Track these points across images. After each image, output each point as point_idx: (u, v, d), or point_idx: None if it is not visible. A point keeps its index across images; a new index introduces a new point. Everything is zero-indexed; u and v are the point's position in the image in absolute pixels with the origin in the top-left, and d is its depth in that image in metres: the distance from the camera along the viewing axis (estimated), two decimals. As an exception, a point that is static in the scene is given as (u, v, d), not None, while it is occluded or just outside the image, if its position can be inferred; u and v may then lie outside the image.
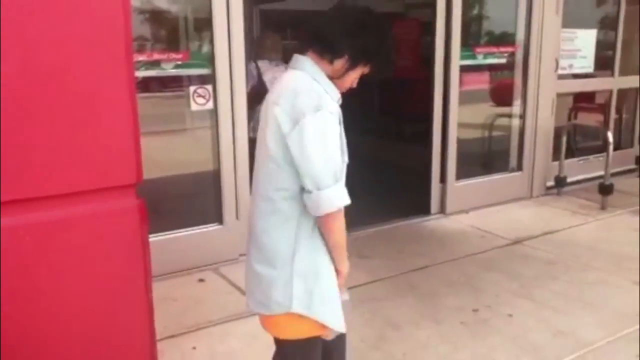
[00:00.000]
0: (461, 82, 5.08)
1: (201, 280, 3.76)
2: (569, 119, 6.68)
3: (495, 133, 5.92)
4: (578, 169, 6.07)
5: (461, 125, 5.12)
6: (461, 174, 5.18)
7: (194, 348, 2.95)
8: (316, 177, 1.63)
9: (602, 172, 5.43)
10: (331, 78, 1.75)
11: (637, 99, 6.81)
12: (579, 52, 6.01)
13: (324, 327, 1.81)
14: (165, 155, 4.07)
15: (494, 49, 5.45)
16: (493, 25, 5.89)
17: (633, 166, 6.53)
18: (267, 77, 4.35)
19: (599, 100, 6.72)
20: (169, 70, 3.88)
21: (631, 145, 6.82)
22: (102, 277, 1.89)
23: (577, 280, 3.75)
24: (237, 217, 4.07)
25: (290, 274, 1.74)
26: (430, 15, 4.97)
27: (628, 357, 2.89)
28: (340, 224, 1.74)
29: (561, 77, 5.84)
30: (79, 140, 1.84)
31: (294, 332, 1.81)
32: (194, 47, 4.08)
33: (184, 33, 4.17)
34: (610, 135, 5.39)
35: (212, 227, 4.02)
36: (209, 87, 3.89)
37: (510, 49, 5.53)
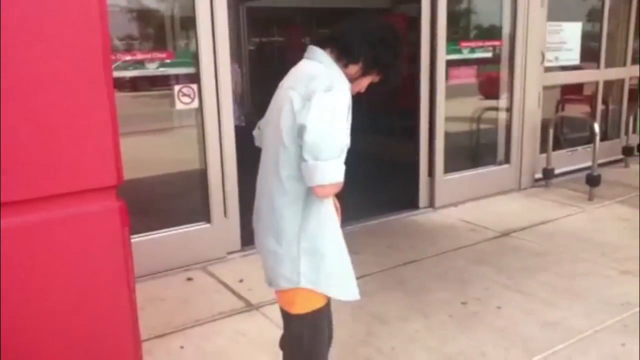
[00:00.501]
0: (448, 77, 5.09)
1: (189, 279, 3.75)
2: (557, 111, 6.71)
3: (482, 126, 5.94)
4: (566, 161, 6.10)
5: (448, 119, 5.13)
6: (449, 168, 5.19)
7: (182, 347, 2.95)
8: (316, 147, 1.69)
9: (589, 163, 5.46)
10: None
11: (623, 90, 6.85)
12: (565, 44, 6.04)
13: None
14: (152, 154, 4.06)
15: (480, 43, 5.45)
16: (479, 19, 5.90)
17: (620, 156, 6.56)
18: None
19: (587, 92, 6.75)
20: (153, 69, 3.86)
21: (618, 136, 6.86)
22: (84, 279, 1.88)
23: (566, 271, 3.77)
24: (225, 216, 4.06)
25: (298, 251, 1.84)
26: (417, 11, 4.96)
27: (614, 345, 2.91)
28: (330, 195, 1.83)
29: (548, 69, 5.86)
30: (57, 142, 1.82)
31: (303, 306, 1.92)
32: (179, 46, 4.06)
33: (168, 32, 4.15)
34: (596, 127, 5.41)
35: (200, 226, 4.01)
36: (194, 86, 3.87)
37: (496, 43, 5.54)
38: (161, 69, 3.85)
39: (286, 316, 2.02)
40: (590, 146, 5.46)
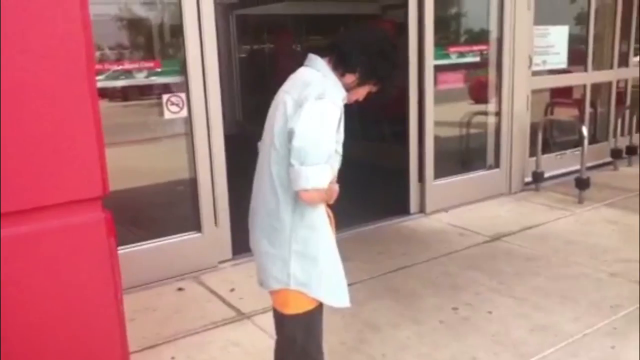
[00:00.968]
0: (436, 82, 5.11)
1: (180, 289, 3.74)
2: (546, 114, 6.75)
3: (472, 131, 5.96)
4: (555, 164, 6.14)
5: (437, 124, 5.14)
6: (439, 173, 5.20)
7: (173, 358, 2.93)
8: (302, 151, 1.75)
9: (579, 166, 5.49)
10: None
11: (611, 92, 6.90)
12: (552, 48, 6.08)
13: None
14: (141, 164, 4.04)
15: (467, 48, 5.49)
16: (466, 24, 5.94)
17: (609, 159, 6.60)
18: None
19: (576, 95, 6.79)
20: (141, 79, 3.85)
21: (607, 139, 6.91)
22: (70, 291, 1.87)
23: (556, 274, 3.79)
24: (215, 225, 4.05)
25: (289, 253, 1.88)
26: (406, 16, 4.98)
27: (604, 348, 2.92)
28: (316, 200, 1.85)
29: (536, 73, 5.90)
30: (41, 154, 1.82)
31: (296, 307, 1.94)
32: (166, 55, 4.06)
33: (156, 41, 4.15)
34: (585, 130, 5.45)
35: (191, 236, 3.99)
36: (183, 95, 3.87)
37: (483, 47, 5.58)
38: (149, 79, 3.85)
39: (280, 317, 2.04)
40: (579, 149, 5.49)
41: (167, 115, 3.84)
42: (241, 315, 3.34)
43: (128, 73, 3.76)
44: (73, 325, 1.89)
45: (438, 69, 5.11)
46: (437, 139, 5.15)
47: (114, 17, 3.89)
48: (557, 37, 6.11)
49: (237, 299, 3.54)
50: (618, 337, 3.01)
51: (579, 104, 6.67)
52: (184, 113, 3.88)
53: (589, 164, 5.88)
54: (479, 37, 5.70)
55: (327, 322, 3.17)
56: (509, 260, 4.06)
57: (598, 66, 6.75)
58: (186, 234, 3.98)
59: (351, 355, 2.93)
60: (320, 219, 1.93)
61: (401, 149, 5.18)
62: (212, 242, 4.02)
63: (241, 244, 4.11)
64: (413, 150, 5.05)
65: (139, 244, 3.81)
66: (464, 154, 6.02)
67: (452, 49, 5.28)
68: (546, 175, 5.84)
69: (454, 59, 5.30)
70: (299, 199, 1.83)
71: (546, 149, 6.00)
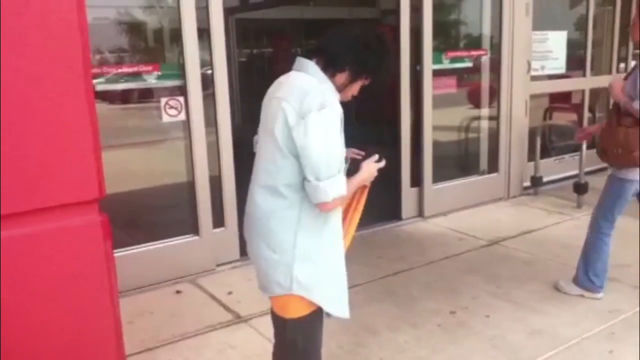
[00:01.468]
0: (435, 86, 5.11)
1: (178, 292, 3.73)
2: (544, 118, 6.76)
3: (470, 135, 5.97)
4: (554, 169, 6.14)
5: (435, 129, 5.15)
6: (438, 177, 5.20)
7: (170, 361, 2.93)
8: (316, 168, 1.76)
9: (577, 171, 5.49)
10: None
11: (609, 98, 6.90)
12: (551, 53, 6.10)
13: None
14: (140, 167, 4.05)
15: (466, 53, 5.50)
16: (464, 29, 5.96)
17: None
18: None
19: (575, 100, 6.80)
20: (139, 82, 3.86)
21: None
22: (66, 293, 1.87)
23: (553, 279, 3.78)
24: (213, 228, 4.05)
25: (292, 258, 1.86)
26: (413, 21, 4.96)
27: (602, 353, 2.91)
28: (336, 207, 1.88)
29: (535, 78, 5.91)
30: (39, 157, 1.82)
31: (297, 311, 1.93)
32: (165, 59, 4.07)
33: (154, 45, 4.16)
34: (583, 135, 5.43)
35: (189, 239, 3.99)
36: (181, 98, 3.87)
37: (482, 52, 5.59)
38: (147, 82, 3.86)
39: (280, 322, 2.02)
40: (578, 154, 5.49)
41: (165, 118, 3.84)
42: (238, 319, 3.34)
43: (126, 77, 3.77)
44: (69, 328, 1.88)
45: (436, 73, 5.11)
46: (434, 143, 5.15)
47: (112, 20, 3.90)
48: (556, 43, 6.13)
49: (235, 302, 3.53)
50: (616, 342, 3.01)
51: (578, 108, 6.68)
52: (182, 116, 3.89)
53: (588, 169, 5.88)
54: (478, 42, 5.71)
55: (326, 325, 3.16)
56: (507, 265, 4.05)
57: (597, 71, 6.77)
58: (184, 237, 3.98)
59: (349, 359, 2.92)
60: (329, 226, 1.93)
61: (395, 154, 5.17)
62: (209, 245, 4.01)
63: (239, 247, 4.15)
64: (405, 155, 5.03)
65: (137, 246, 3.81)
66: (463, 159, 6.02)
67: (450, 54, 5.29)
68: (545, 179, 5.84)
69: (452, 64, 5.31)
70: (320, 211, 1.84)
71: (545, 153, 6.00)
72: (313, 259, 1.89)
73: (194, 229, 4.00)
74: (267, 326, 3.18)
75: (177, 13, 3.78)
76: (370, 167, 2.03)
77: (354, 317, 3.27)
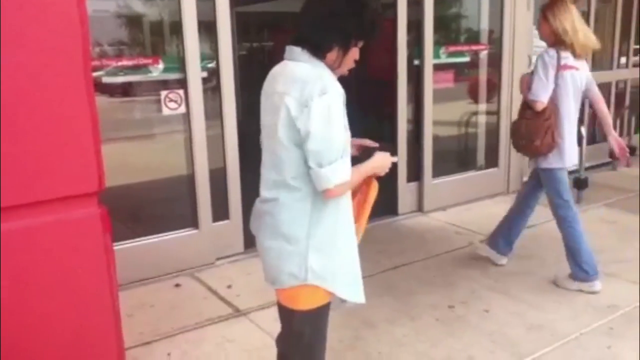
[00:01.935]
0: (435, 81, 5.10)
1: (177, 285, 3.74)
2: (545, 114, 6.74)
3: (470, 130, 5.96)
4: (554, 164, 6.12)
5: (435, 124, 5.13)
6: (438, 172, 5.20)
7: (169, 354, 2.93)
8: (317, 154, 1.73)
9: (577, 166, 5.48)
10: (330, 67, 1.85)
11: (610, 93, 6.90)
12: (552, 48, 6.07)
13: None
14: (140, 160, 4.04)
15: (466, 47, 5.48)
16: (465, 23, 5.93)
17: (607, 160, 6.60)
18: None
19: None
20: (139, 75, 3.85)
21: (605, 139, 6.89)
22: (66, 286, 1.87)
23: (552, 274, 3.78)
24: (212, 221, 4.05)
25: (306, 247, 1.83)
26: (414, 14, 4.95)
27: (600, 348, 2.92)
28: (343, 193, 1.86)
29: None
30: (37, 149, 1.82)
31: (306, 303, 1.89)
32: (165, 52, 4.05)
33: (155, 38, 4.14)
34: (583, 130, 5.44)
35: (188, 232, 3.99)
36: (181, 91, 3.87)
37: (481, 47, 5.58)
38: (147, 75, 3.85)
39: (287, 313, 1.99)
40: (578, 149, 5.47)
41: (165, 111, 3.84)
42: (237, 312, 3.34)
43: (126, 69, 3.76)
44: (68, 320, 1.89)
45: (436, 68, 5.10)
46: (434, 138, 5.15)
47: (112, 13, 3.88)
48: (557, 37, 6.10)
49: (234, 295, 3.54)
50: (614, 337, 3.02)
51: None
52: (182, 109, 3.88)
53: (588, 164, 5.88)
54: (478, 36, 5.70)
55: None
56: (507, 259, 4.05)
57: (598, 67, 6.75)
58: (184, 230, 3.98)
59: (348, 353, 2.93)
60: (342, 212, 1.90)
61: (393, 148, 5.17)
62: (209, 239, 4.02)
63: (245, 240, 4.15)
64: (402, 150, 5.02)
65: (136, 239, 3.81)
66: (463, 153, 6.01)
67: (451, 48, 5.27)
68: (544, 175, 5.83)
69: (452, 58, 5.29)
70: (324, 198, 1.81)
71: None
72: (327, 247, 1.86)
73: (194, 223, 4.00)
74: (266, 320, 3.21)
75: (178, 5, 3.77)
76: (385, 159, 2.00)
77: (353, 310, 3.29)
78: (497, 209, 5.19)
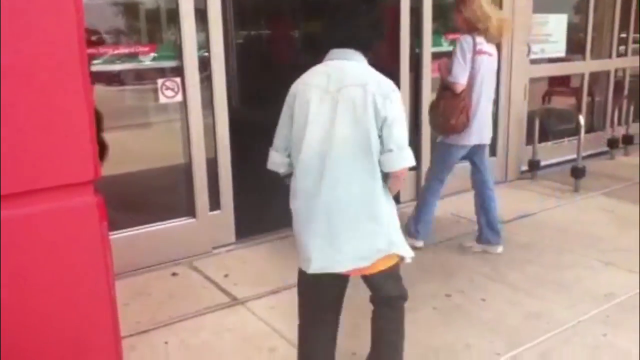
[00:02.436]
0: (433, 69, 5.07)
1: (175, 274, 3.73)
2: (543, 102, 6.74)
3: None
4: (552, 152, 6.13)
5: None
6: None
7: (166, 343, 2.93)
8: (400, 138, 2.02)
9: (575, 155, 5.48)
10: None
11: (609, 82, 6.88)
12: (551, 36, 6.05)
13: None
14: (137, 148, 4.02)
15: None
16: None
17: (606, 148, 6.60)
18: None
19: (575, 83, 6.77)
20: (136, 63, 3.82)
21: (604, 128, 6.90)
22: (62, 274, 1.86)
23: (550, 262, 3.80)
24: (210, 210, 4.04)
25: (388, 225, 2.12)
26: (414, 1, 4.90)
27: (596, 336, 2.93)
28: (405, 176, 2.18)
29: (534, 61, 5.87)
30: (33, 137, 1.80)
31: (385, 264, 2.20)
32: (162, 39, 4.02)
33: (151, 25, 4.10)
34: (581, 119, 5.43)
35: (185, 221, 3.98)
36: (178, 79, 3.84)
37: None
38: (144, 63, 3.82)
39: (378, 280, 2.27)
40: (576, 138, 5.47)
41: (162, 99, 3.81)
42: (235, 301, 3.35)
43: (123, 57, 3.73)
44: (64, 309, 1.88)
45: (435, 56, 5.07)
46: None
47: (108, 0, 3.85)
48: (556, 26, 6.08)
49: (232, 284, 3.54)
50: (610, 325, 3.03)
51: (577, 92, 6.66)
52: (179, 97, 3.86)
53: (586, 153, 5.89)
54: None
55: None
56: (505, 248, 4.04)
57: (597, 55, 6.73)
58: (181, 219, 3.97)
59: (345, 341, 2.92)
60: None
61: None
62: (206, 228, 4.01)
63: (238, 230, 4.15)
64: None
65: (134, 228, 3.80)
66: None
67: (450, 37, 5.24)
68: (543, 163, 5.83)
69: (452, 47, 5.25)
70: (394, 178, 2.08)
71: (543, 137, 5.98)
72: (394, 221, 2.17)
73: (191, 212, 3.99)
74: (263, 308, 3.21)
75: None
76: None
77: (350, 298, 3.30)
78: (498, 198, 5.19)
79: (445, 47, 5.16)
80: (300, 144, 2.04)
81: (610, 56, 6.83)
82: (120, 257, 3.55)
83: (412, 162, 2.07)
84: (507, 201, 5.13)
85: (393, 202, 2.20)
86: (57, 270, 1.87)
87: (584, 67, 6.54)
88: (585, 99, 6.61)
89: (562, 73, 6.63)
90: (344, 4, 2.13)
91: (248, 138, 7.02)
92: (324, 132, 2.00)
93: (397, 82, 4.83)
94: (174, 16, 3.80)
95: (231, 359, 2.80)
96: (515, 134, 5.71)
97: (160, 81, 3.79)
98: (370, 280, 2.29)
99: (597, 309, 3.18)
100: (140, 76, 4.01)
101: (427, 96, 5.01)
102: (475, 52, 3.62)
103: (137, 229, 3.82)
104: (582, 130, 5.36)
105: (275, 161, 2.19)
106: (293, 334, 2.52)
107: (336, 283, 2.27)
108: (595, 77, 6.83)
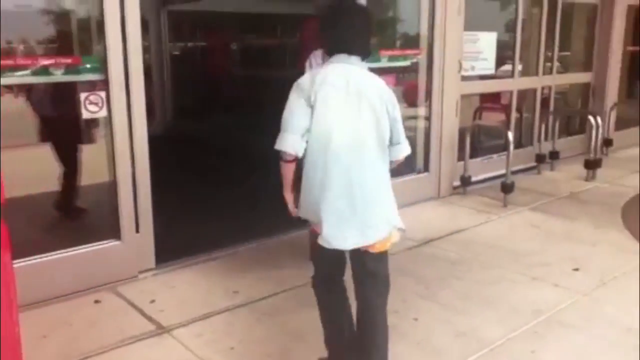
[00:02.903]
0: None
1: (97, 301, 3.52)
2: (474, 118, 6.91)
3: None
4: (483, 168, 6.27)
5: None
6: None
7: (85, 377, 2.75)
8: (403, 134, 2.46)
9: (505, 171, 5.63)
10: None
11: (535, 99, 7.15)
12: (481, 54, 6.22)
13: None
14: (54, 167, 3.80)
15: (399, 52, 5.52)
16: (399, 28, 5.98)
17: (534, 164, 6.83)
18: None
19: (505, 100, 6.99)
20: (58, 75, 3.62)
21: (531, 143, 7.15)
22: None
23: (479, 278, 3.85)
24: (136, 231, 3.85)
25: (390, 206, 2.45)
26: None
27: (524, 352, 2.97)
28: None
29: (465, 78, 6.02)
30: None
31: (384, 247, 2.48)
32: (86, 51, 3.82)
33: (75, 36, 3.91)
34: (510, 135, 5.59)
35: (109, 244, 3.78)
36: (102, 93, 3.65)
37: (415, 52, 5.63)
38: (66, 76, 3.62)
39: (374, 261, 2.50)
40: (505, 154, 5.63)
41: (85, 114, 3.61)
42: (161, 329, 3.18)
43: (43, 69, 3.52)
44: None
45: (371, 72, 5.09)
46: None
47: (34, 9, 3.64)
48: (486, 43, 6.26)
49: (157, 311, 3.37)
50: (538, 341, 3.08)
51: (506, 109, 6.87)
52: (104, 112, 3.67)
53: (516, 168, 6.06)
54: (411, 41, 5.75)
55: (252, 332, 3.08)
56: (436, 265, 4.09)
57: (525, 72, 6.99)
58: (104, 242, 3.77)
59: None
60: None
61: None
62: (132, 251, 3.82)
63: (164, 253, 3.98)
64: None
65: (53, 253, 3.57)
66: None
67: (383, 53, 5.29)
68: (474, 179, 5.96)
69: (384, 63, 5.31)
70: (397, 164, 2.52)
71: (474, 153, 6.12)
72: (394, 201, 2.47)
73: (115, 234, 3.79)
74: (189, 336, 3.08)
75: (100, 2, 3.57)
76: None
77: (282, 322, 3.23)
78: (428, 215, 5.28)
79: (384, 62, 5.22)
80: (329, 136, 2.30)
81: (537, 74, 7.10)
82: (38, 284, 3.37)
83: (409, 151, 2.52)
84: (439, 217, 5.21)
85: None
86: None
87: (512, 84, 6.76)
88: (514, 115, 6.83)
89: (492, 90, 6.84)
90: (346, 14, 2.43)
91: (181, 153, 6.82)
92: (351, 129, 2.32)
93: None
94: (100, 27, 3.62)
95: (154, 392, 2.65)
96: (448, 150, 5.81)
97: (83, 95, 3.60)
98: (370, 256, 2.47)
99: (525, 325, 3.23)
100: (63, 90, 3.81)
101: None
102: None
103: (58, 254, 3.58)
104: (511, 146, 5.52)
105: (294, 144, 2.32)
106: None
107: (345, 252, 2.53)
108: (523, 94, 7.09)
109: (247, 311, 3.41)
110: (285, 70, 9.10)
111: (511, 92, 6.79)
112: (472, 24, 5.91)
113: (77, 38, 3.94)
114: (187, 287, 3.73)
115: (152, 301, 3.49)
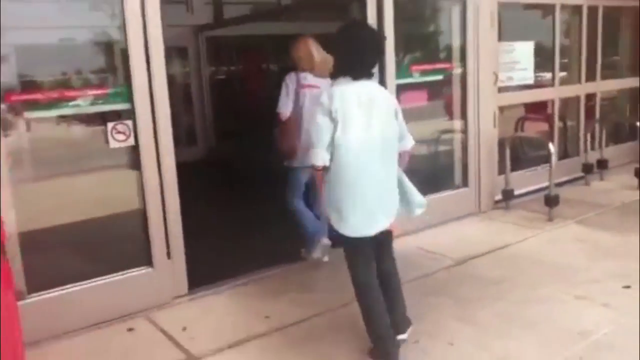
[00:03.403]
0: (401, 100, 4.98)
1: (130, 329, 3.52)
2: (516, 130, 6.69)
3: (440, 149, 5.85)
4: (526, 180, 6.02)
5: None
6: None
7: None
8: (407, 130, 3.04)
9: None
10: None
11: (579, 107, 6.86)
12: (518, 64, 6.03)
13: None
14: (87, 196, 3.84)
15: (430, 67, 5.40)
16: (430, 42, 5.86)
17: (581, 174, 6.52)
18: None
19: (550, 109, 6.72)
20: (85, 106, 3.69)
21: (578, 154, 6.84)
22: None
23: (520, 298, 3.64)
24: (168, 257, 3.86)
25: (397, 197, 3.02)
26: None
27: (569, 381, 2.77)
28: None
29: (503, 89, 5.83)
30: None
31: (395, 230, 3.12)
32: (112, 81, 3.88)
33: (101, 67, 3.98)
34: (552, 146, 5.35)
35: (142, 271, 3.79)
36: (129, 122, 3.70)
37: (446, 66, 5.49)
38: (93, 107, 3.68)
39: (388, 243, 3.16)
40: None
41: (113, 144, 3.66)
42: (191, 357, 3.14)
43: (70, 101, 3.59)
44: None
45: (402, 87, 4.99)
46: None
47: (54, 42, 3.74)
48: (523, 53, 6.07)
49: (188, 339, 3.33)
50: (585, 366, 2.87)
51: (550, 118, 6.61)
52: (131, 141, 3.71)
53: (561, 180, 5.81)
54: (444, 54, 5.62)
55: (283, 355, 2.99)
56: (475, 285, 3.90)
57: (566, 80, 6.73)
58: (137, 269, 3.78)
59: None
60: None
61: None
62: (165, 277, 3.82)
63: (197, 278, 3.97)
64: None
65: (87, 281, 3.61)
66: (432, 174, 5.89)
67: (415, 68, 5.18)
68: (517, 192, 5.73)
69: (417, 78, 5.20)
70: (406, 154, 3.09)
71: (517, 165, 5.90)
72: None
73: (147, 260, 3.80)
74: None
75: (124, 33, 3.63)
76: None
77: (315, 347, 3.13)
78: (468, 231, 5.09)
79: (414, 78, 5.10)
80: (354, 141, 2.77)
81: (579, 82, 6.81)
82: (72, 314, 3.41)
83: (413, 143, 3.08)
84: (479, 234, 5.02)
85: None
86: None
87: (554, 92, 6.51)
88: (556, 125, 6.56)
89: (531, 100, 6.60)
90: (355, 41, 2.88)
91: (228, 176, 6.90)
92: (370, 132, 2.80)
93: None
94: (125, 57, 3.68)
95: None
96: (487, 163, 5.62)
97: (110, 125, 3.65)
98: (389, 234, 3.07)
99: (570, 350, 3.02)
100: (90, 120, 3.88)
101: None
102: (300, 86, 4.17)
103: (91, 282, 3.62)
104: (553, 158, 5.28)
105: (324, 158, 2.81)
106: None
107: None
108: (566, 102, 6.81)
109: (279, 337, 3.34)
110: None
111: (552, 101, 6.53)
112: (512, 33, 5.74)
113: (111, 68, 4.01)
114: (219, 313, 3.69)
115: (184, 328, 3.45)
